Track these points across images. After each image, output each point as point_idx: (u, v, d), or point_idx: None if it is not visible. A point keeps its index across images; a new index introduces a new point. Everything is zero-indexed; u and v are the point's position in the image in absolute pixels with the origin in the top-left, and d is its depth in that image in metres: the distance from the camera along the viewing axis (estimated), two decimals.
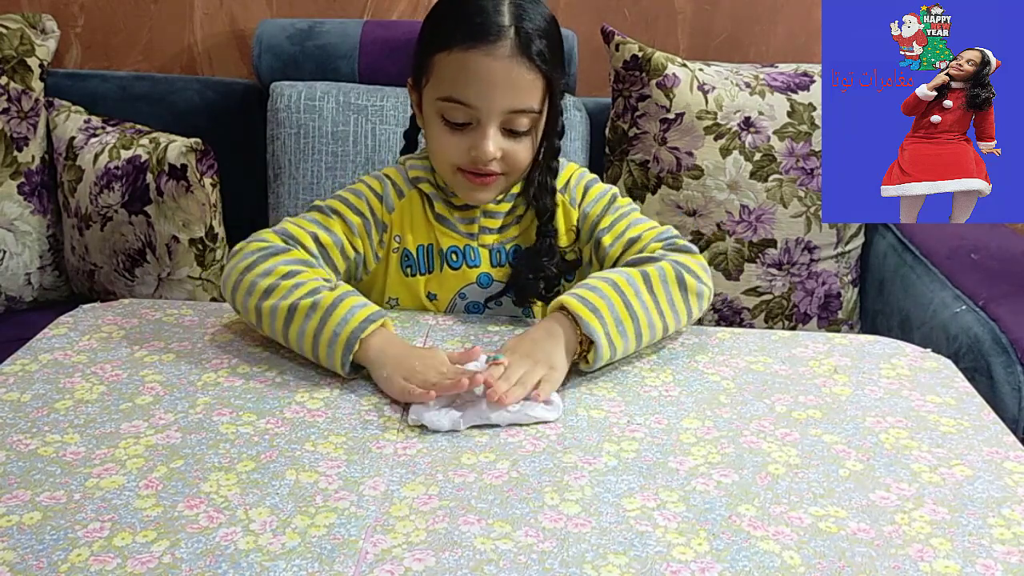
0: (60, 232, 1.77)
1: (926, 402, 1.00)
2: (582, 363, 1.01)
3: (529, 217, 1.17)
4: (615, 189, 1.20)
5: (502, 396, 0.91)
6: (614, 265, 1.13)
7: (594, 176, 1.21)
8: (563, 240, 1.18)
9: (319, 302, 1.00)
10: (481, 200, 1.14)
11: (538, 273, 1.14)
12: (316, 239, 1.10)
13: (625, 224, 1.15)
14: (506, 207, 1.17)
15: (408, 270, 1.17)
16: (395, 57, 1.77)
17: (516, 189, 1.17)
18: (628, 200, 1.19)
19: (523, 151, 1.10)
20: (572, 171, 1.20)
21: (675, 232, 1.14)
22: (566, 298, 1.01)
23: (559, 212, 1.17)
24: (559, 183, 1.17)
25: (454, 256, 1.16)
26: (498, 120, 1.07)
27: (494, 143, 1.07)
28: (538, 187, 1.14)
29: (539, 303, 1.19)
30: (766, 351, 1.10)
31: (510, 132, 1.08)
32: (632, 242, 1.13)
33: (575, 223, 1.18)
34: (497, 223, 1.18)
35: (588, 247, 1.18)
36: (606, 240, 1.14)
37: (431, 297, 1.18)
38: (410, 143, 1.24)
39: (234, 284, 1.05)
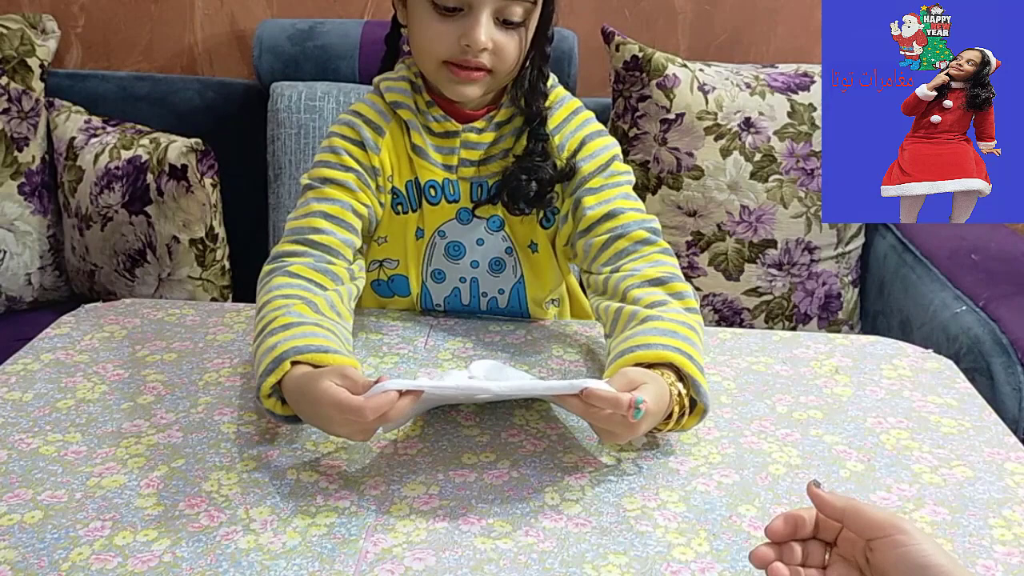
0: (60, 232, 1.77)
1: (927, 403, 1.00)
2: (672, 425, 0.89)
3: (517, 150, 1.11)
4: (616, 150, 1.12)
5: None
6: (588, 230, 1.08)
7: (598, 128, 1.12)
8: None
9: (254, 349, 0.92)
10: (467, 96, 1.07)
11: (531, 175, 1.08)
12: (326, 216, 1.05)
13: (613, 193, 1.09)
14: (489, 137, 1.10)
15: (399, 207, 1.11)
16: None
17: (500, 117, 1.11)
18: (627, 169, 1.13)
19: (514, 46, 1.04)
20: (573, 110, 1.12)
21: (658, 225, 1.09)
22: (677, 356, 0.90)
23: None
24: (555, 120, 1.11)
25: (432, 191, 1.10)
26: (491, 7, 1.01)
27: (486, 32, 1.00)
28: (528, 89, 1.09)
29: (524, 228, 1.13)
30: (767, 351, 1.10)
31: (502, 23, 1.02)
32: (612, 215, 1.07)
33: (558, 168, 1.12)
34: (478, 154, 1.10)
35: (570, 200, 1.11)
36: (587, 200, 1.08)
37: (419, 234, 1.13)
38: (391, 51, 1.17)
39: None
